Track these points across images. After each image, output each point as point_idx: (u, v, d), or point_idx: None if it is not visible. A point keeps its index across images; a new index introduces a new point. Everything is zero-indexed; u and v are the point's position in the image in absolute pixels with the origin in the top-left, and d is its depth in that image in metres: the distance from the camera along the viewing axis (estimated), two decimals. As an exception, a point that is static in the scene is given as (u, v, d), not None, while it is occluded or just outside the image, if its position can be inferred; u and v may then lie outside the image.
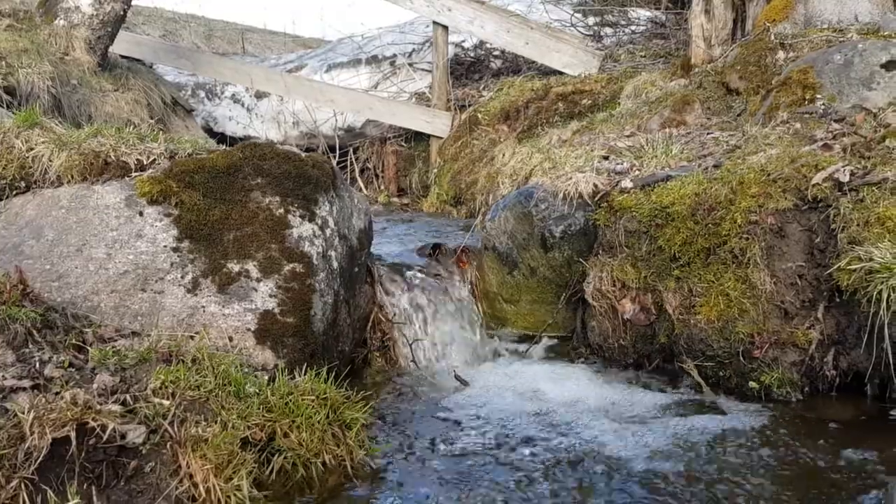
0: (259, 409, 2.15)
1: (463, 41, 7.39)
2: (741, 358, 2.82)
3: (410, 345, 3.18)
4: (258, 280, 2.58)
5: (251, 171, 2.71)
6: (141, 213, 2.62)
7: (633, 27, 7.40)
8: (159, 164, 2.77)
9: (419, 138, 6.88)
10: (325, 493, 2.11)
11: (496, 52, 7.35)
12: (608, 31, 7.39)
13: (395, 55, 7.49)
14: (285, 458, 2.12)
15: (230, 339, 2.49)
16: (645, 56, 6.34)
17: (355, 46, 7.80)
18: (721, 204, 2.94)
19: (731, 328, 2.82)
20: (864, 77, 3.74)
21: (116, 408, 1.95)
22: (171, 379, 2.09)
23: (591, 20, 7.50)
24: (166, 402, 2.01)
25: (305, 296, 2.61)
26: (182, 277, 2.55)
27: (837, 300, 2.74)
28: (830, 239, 2.76)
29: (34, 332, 2.25)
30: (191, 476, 1.90)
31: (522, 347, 3.39)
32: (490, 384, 3.02)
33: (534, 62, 6.65)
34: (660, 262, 3.05)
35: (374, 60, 7.53)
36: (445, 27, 6.50)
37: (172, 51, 7.52)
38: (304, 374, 2.35)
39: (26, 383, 2.00)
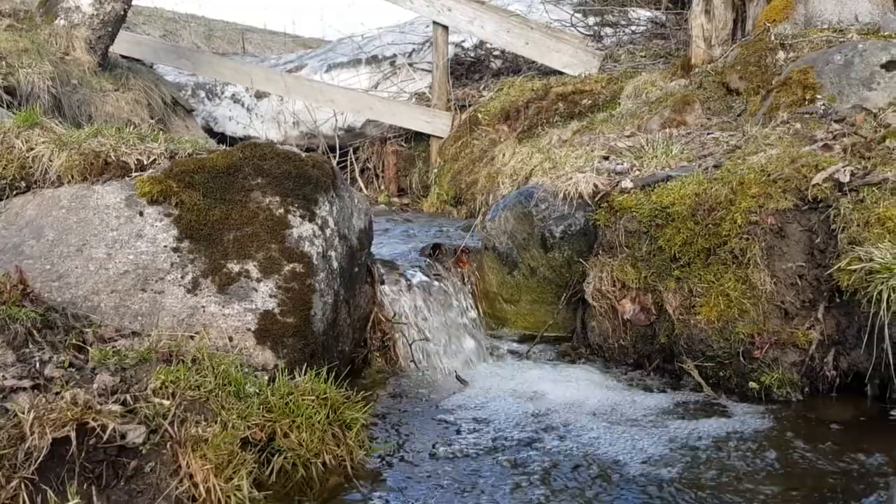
0: (259, 409, 2.14)
1: (463, 41, 7.39)
2: (741, 358, 2.82)
3: (410, 345, 3.18)
4: (258, 280, 2.57)
5: (251, 171, 2.71)
6: (141, 213, 2.62)
7: (633, 27, 7.40)
8: (159, 164, 2.76)
9: (419, 138, 6.88)
10: (325, 493, 2.11)
11: (496, 52, 7.35)
12: (608, 31, 7.39)
13: (395, 55, 7.49)
14: (285, 458, 2.12)
15: (230, 339, 2.49)
16: (645, 56, 6.34)
17: (355, 46, 7.80)
18: (721, 204, 2.94)
19: (731, 328, 2.82)
20: (865, 77, 3.74)
21: (116, 408, 1.95)
22: (172, 379, 2.09)
23: (591, 20, 7.50)
24: (166, 402, 2.01)
25: (305, 296, 2.61)
26: (182, 277, 2.54)
27: (838, 300, 2.74)
28: (830, 239, 2.76)
29: (34, 332, 2.24)
30: (191, 476, 1.90)
31: (522, 347, 3.39)
32: (490, 385, 3.02)
33: (534, 62, 6.65)
34: (660, 262, 3.05)
35: (374, 60, 7.53)
36: (445, 27, 6.51)
37: (173, 51, 7.52)
38: (304, 374, 2.35)
39: (26, 383, 2.00)
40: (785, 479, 2.18)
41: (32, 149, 2.81)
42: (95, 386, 2.04)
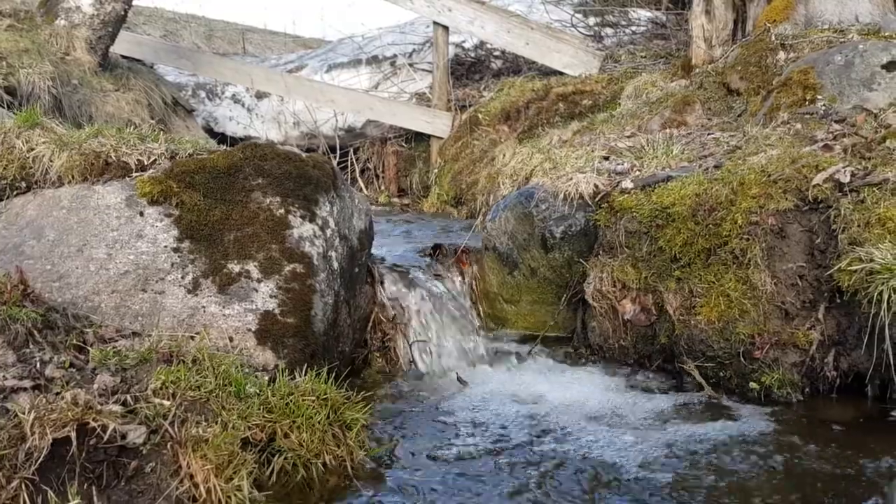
0: (259, 409, 2.15)
1: (463, 41, 7.39)
2: (742, 359, 2.82)
3: (410, 345, 3.18)
4: (259, 280, 2.58)
5: (252, 172, 2.71)
6: (141, 214, 2.62)
7: (633, 28, 7.40)
8: (160, 164, 2.77)
9: (420, 138, 6.88)
10: (325, 493, 2.11)
11: (496, 53, 7.35)
12: (609, 31, 7.39)
13: (395, 55, 7.49)
14: (286, 458, 2.12)
15: (231, 339, 2.49)
16: (645, 56, 6.34)
17: (356, 47, 7.80)
18: (722, 204, 2.94)
19: (731, 329, 2.82)
20: (865, 78, 3.74)
21: (117, 408, 1.95)
22: (172, 379, 2.09)
23: (591, 20, 7.50)
24: (167, 403, 2.01)
25: (306, 296, 2.61)
26: (182, 278, 2.55)
27: (838, 301, 2.74)
28: (831, 240, 2.76)
29: (35, 332, 2.25)
30: (191, 476, 1.90)
31: (523, 348, 3.38)
32: (490, 385, 3.02)
33: (534, 62, 6.65)
34: (660, 262, 3.05)
35: (374, 61, 7.53)
36: (446, 27, 6.50)
37: (173, 51, 7.52)
38: (305, 375, 2.35)
39: (27, 383, 2.00)
40: (785, 480, 2.18)
41: (33, 149, 2.81)
42: (96, 386, 2.04)
